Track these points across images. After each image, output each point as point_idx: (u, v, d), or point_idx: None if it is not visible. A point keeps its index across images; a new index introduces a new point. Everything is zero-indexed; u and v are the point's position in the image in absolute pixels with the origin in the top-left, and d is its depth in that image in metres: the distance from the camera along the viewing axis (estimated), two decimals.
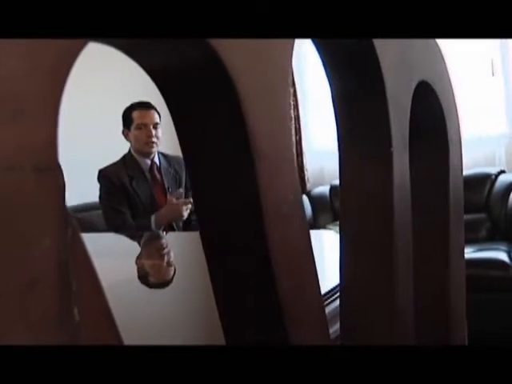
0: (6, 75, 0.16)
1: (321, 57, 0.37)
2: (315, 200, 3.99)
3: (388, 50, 0.38)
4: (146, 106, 2.89)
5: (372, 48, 0.36)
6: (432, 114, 0.47)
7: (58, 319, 0.17)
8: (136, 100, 2.92)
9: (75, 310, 0.17)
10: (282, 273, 0.28)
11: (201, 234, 0.29)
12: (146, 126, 2.89)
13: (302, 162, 4.30)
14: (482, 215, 3.43)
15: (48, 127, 0.17)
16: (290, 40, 0.29)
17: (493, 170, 3.62)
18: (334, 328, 0.46)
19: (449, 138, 0.48)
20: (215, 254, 0.29)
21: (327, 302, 0.82)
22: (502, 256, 2.93)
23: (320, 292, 0.33)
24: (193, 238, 2.18)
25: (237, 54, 0.25)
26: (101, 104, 3.82)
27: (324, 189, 4.01)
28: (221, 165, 0.27)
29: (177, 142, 0.27)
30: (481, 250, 3.05)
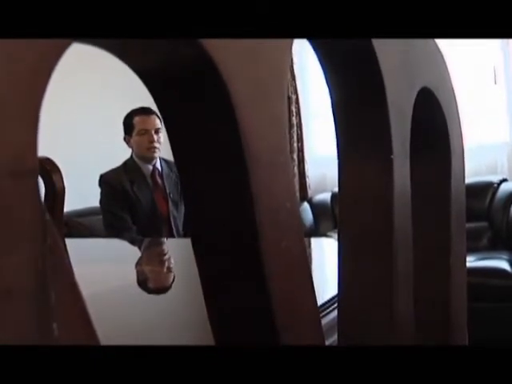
0: None
1: (320, 62, 0.36)
2: (316, 207, 3.98)
3: (389, 55, 0.37)
4: (146, 112, 2.89)
5: (373, 53, 0.35)
6: (434, 122, 0.46)
7: (35, 332, 0.16)
8: (139, 105, 2.92)
9: (54, 324, 0.16)
10: (276, 281, 0.27)
11: (192, 239, 0.28)
12: (147, 131, 2.89)
13: (304, 169, 4.29)
14: (484, 224, 3.42)
15: (26, 130, 0.16)
16: (286, 42, 0.28)
17: (495, 179, 3.61)
18: (334, 338, 0.45)
19: (451, 147, 0.47)
20: (207, 260, 0.28)
21: (328, 311, 0.81)
22: (504, 265, 2.92)
23: (316, 301, 0.32)
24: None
25: (230, 55, 0.24)
26: (103, 108, 3.82)
27: (325, 196, 4.00)
28: (213, 170, 0.26)
29: None
30: (482, 258, 3.04)
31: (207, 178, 0.26)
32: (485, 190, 3.50)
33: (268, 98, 0.26)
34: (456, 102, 0.50)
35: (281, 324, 0.27)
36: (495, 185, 3.55)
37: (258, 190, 0.25)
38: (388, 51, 0.37)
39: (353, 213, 0.39)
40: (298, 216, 0.28)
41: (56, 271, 0.16)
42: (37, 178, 0.16)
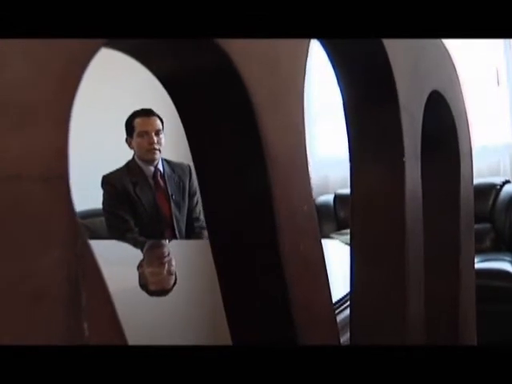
0: (13, 79, 0.15)
1: (333, 66, 0.36)
2: (319, 208, 3.96)
3: (401, 59, 0.37)
4: (147, 113, 2.89)
5: (385, 57, 0.36)
6: (443, 124, 0.46)
7: (66, 333, 0.16)
8: (142, 106, 2.92)
9: (85, 325, 0.16)
10: (294, 284, 0.27)
11: (211, 242, 0.29)
12: (147, 133, 2.88)
13: None
14: (487, 225, 3.41)
15: (57, 135, 0.16)
16: (303, 46, 0.28)
17: (497, 180, 3.60)
18: (343, 338, 0.45)
19: (460, 149, 0.47)
20: (226, 263, 0.29)
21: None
22: (507, 266, 2.91)
23: (332, 303, 0.32)
24: (196, 246, 2.17)
25: (250, 60, 0.24)
26: (105, 109, 3.82)
27: (328, 197, 3.99)
28: (233, 174, 0.26)
29: (180, 148, 0.26)
30: (485, 260, 3.03)
31: (226, 182, 0.26)
32: (488, 191, 3.49)
33: (286, 103, 0.26)
34: (464, 105, 0.50)
35: (298, 324, 0.27)
36: (498, 186, 3.54)
37: (277, 193, 0.25)
38: (400, 55, 0.37)
39: (365, 214, 0.39)
40: (314, 219, 0.28)
41: (86, 274, 0.17)
42: (68, 182, 0.16)
